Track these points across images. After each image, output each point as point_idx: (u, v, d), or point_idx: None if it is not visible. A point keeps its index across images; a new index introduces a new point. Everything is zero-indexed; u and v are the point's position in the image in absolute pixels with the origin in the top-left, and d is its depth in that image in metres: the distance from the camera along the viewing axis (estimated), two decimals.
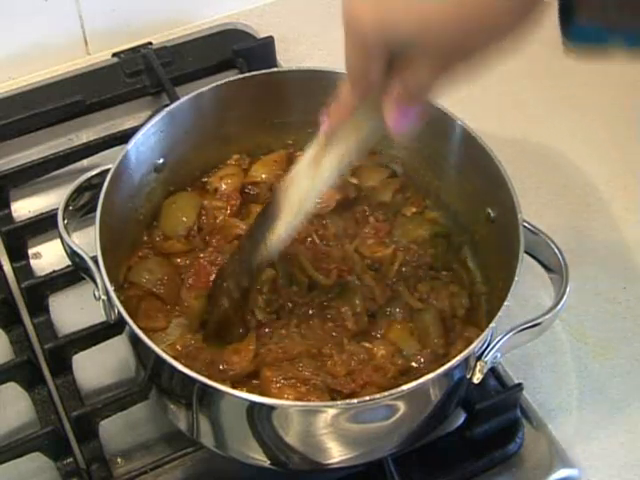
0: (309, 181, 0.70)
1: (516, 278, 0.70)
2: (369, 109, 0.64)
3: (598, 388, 0.85)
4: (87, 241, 0.74)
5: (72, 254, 0.74)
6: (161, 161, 0.84)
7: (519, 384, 0.80)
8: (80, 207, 0.78)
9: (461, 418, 0.79)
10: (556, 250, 0.75)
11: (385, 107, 0.62)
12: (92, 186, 0.78)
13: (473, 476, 0.77)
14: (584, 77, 1.10)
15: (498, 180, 0.77)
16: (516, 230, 0.73)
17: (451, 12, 0.55)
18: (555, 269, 0.75)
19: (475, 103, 1.05)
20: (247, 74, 0.88)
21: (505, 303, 0.68)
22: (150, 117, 0.84)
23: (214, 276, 0.80)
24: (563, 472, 0.78)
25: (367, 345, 0.76)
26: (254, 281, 0.77)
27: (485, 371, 0.70)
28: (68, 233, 0.75)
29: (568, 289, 0.72)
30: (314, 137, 0.70)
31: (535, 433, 0.80)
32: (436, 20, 0.56)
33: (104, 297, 0.70)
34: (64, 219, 0.76)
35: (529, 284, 0.88)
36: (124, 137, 0.94)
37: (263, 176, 0.89)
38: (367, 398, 0.64)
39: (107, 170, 0.77)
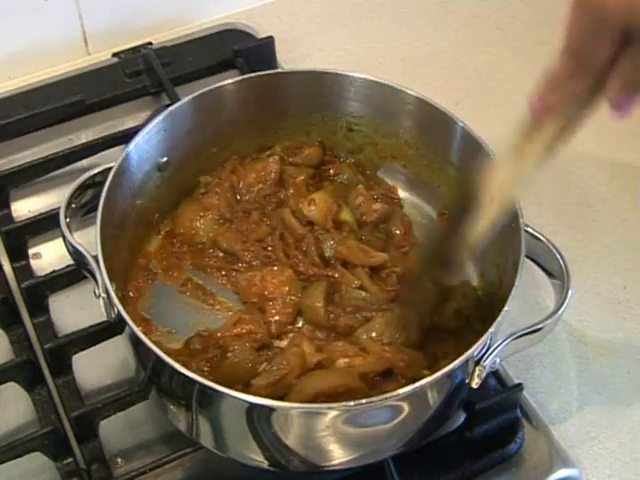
0: (514, 170, 0.67)
1: (517, 283, 0.70)
2: (587, 88, 0.61)
3: (598, 388, 0.85)
4: (88, 240, 0.74)
5: (73, 252, 0.74)
6: (164, 160, 0.85)
7: (519, 384, 0.80)
8: (82, 205, 0.78)
9: (461, 418, 0.79)
10: (558, 255, 0.75)
11: (610, 90, 0.59)
12: (95, 184, 0.78)
13: (473, 476, 0.77)
14: None
15: None
16: (518, 235, 0.73)
17: None
18: (556, 274, 0.75)
19: (476, 104, 1.05)
20: (249, 75, 0.88)
21: (505, 308, 0.68)
22: (151, 116, 0.84)
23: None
24: (563, 472, 0.78)
25: None
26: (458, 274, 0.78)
27: (483, 376, 0.70)
28: (70, 231, 0.75)
29: (569, 294, 0.72)
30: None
31: (535, 433, 0.80)
32: None
33: (104, 295, 0.70)
34: (66, 217, 0.76)
35: (531, 286, 0.88)
36: (124, 137, 0.94)
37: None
38: (364, 401, 0.64)
39: (109, 168, 0.77)
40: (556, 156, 0.66)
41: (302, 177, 0.89)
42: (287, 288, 0.81)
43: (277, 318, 0.80)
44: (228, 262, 0.85)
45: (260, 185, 0.88)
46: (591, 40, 0.57)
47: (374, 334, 0.77)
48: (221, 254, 0.86)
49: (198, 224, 0.86)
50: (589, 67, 0.59)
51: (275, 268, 0.82)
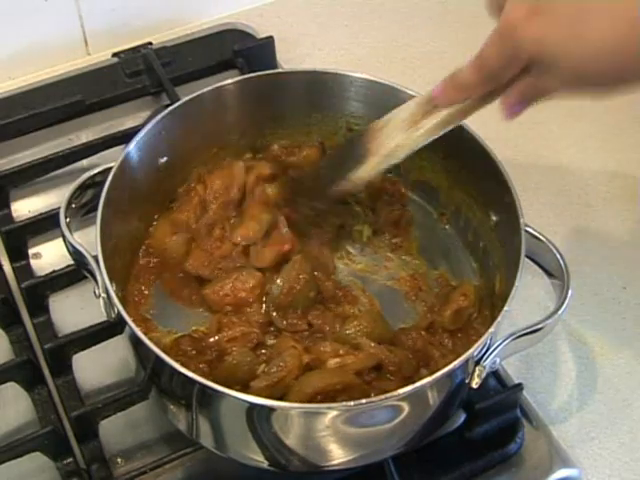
0: (404, 134, 0.76)
1: (517, 283, 0.70)
2: (484, 95, 0.70)
3: (598, 388, 0.85)
4: (88, 240, 0.74)
5: (73, 252, 0.75)
6: (164, 160, 0.85)
7: (519, 384, 0.80)
8: (82, 205, 0.78)
9: (461, 418, 0.79)
10: (558, 255, 0.74)
11: (506, 95, 0.68)
12: (95, 184, 0.78)
13: (473, 476, 0.77)
14: None
15: (501, 184, 0.77)
16: (518, 235, 0.73)
17: (618, 45, 0.59)
18: (556, 274, 0.75)
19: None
20: (249, 75, 0.88)
21: (505, 308, 0.68)
22: (151, 116, 0.84)
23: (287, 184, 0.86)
24: (563, 472, 0.78)
25: None
26: (327, 205, 0.85)
27: (483, 376, 0.70)
28: (70, 231, 0.75)
29: (569, 294, 0.72)
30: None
31: (535, 433, 0.80)
32: (600, 51, 0.60)
33: (104, 295, 0.70)
34: (66, 217, 0.76)
35: (531, 286, 0.88)
36: (124, 137, 0.94)
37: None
38: (364, 401, 0.64)
39: (109, 168, 0.77)
40: (442, 133, 0.75)
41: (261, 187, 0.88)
42: (259, 291, 0.80)
43: (258, 319, 0.79)
44: (196, 288, 0.83)
45: (225, 193, 0.87)
46: (501, 64, 0.65)
47: (359, 329, 0.77)
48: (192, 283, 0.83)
49: (168, 241, 0.85)
50: (492, 82, 0.67)
51: (243, 274, 0.81)
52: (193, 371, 0.65)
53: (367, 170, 0.79)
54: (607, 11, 0.59)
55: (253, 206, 0.86)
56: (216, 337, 0.76)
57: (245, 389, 0.71)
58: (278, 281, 0.79)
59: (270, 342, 0.78)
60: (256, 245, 0.83)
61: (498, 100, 0.70)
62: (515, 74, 0.66)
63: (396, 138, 0.77)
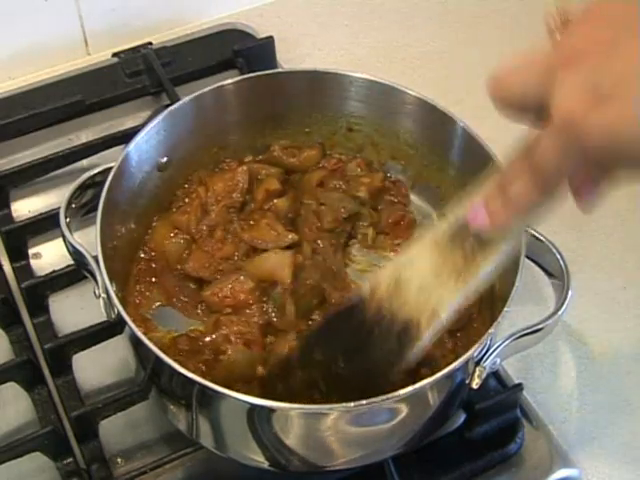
0: (452, 289, 0.61)
1: (517, 283, 0.69)
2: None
3: (598, 388, 0.85)
4: (88, 240, 0.74)
5: (73, 252, 0.75)
6: (164, 160, 0.85)
7: (519, 384, 0.80)
8: (82, 205, 0.78)
9: (461, 418, 0.79)
10: (558, 255, 0.75)
11: (576, 190, 0.57)
12: (95, 184, 0.78)
13: (473, 476, 0.77)
14: None
15: None
16: (518, 235, 0.73)
17: None
18: (556, 274, 0.75)
19: (476, 104, 1.05)
20: (249, 75, 0.88)
21: (505, 309, 0.68)
22: (151, 116, 0.84)
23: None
24: (563, 472, 0.78)
25: None
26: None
27: (484, 377, 0.70)
28: (70, 231, 0.75)
29: (569, 294, 0.72)
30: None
31: (535, 433, 0.80)
32: None
33: (104, 295, 0.70)
34: (66, 217, 0.76)
35: (531, 286, 0.88)
36: (124, 137, 0.94)
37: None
38: (364, 402, 0.63)
39: (109, 168, 0.77)
40: (502, 261, 0.61)
41: (270, 187, 0.88)
42: (258, 292, 0.80)
43: (258, 320, 0.79)
44: (195, 291, 0.82)
45: (228, 197, 0.87)
46: (564, 165, 0.54)
47: None
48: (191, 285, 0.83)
49: (167, 242, 0.85)
50: (553, 189, 0.56)
51: (242, 277, 0.80)
52: (192, 371, 0.65)
53: (428, 337, 0.64)
54: None
55: (264, 215, 0.86)
56: (213, 336, 0.76)
57: (246, 387, 0.71)
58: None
59: (269, 340, 0.78)
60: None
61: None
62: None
63: (444, 295, 0.62)
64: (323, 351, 0.69)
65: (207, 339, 0.76)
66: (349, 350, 0.67)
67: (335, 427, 0.66)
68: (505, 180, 0.56)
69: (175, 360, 0.65)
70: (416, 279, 0.63)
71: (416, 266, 0.63)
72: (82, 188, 0.78)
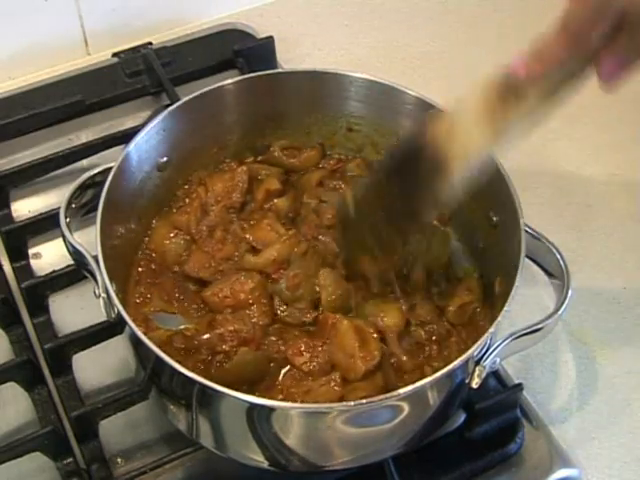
0: (481, 136, 0.65)
1: (517, 283, 0.69)
2: (577, 63, 0.61)
3: (598, 388, 0.85)
4: (88, 240, 0.74)
5: (73, 252, 0.75)
6: (164, 160, 0.85)
7: (519, 384, 0.80)
8: (82, 205, 0.78)
9: (461, 418, 0.79)
10: (558, 255, 0.75)
11: (603, 65, 0.60)
12: (95, 184, 0.78)
13: (473, 476, 0.77)
14: None
15: (501, 184, 0.77)
16: (518, 235, 0.73)
17: None
18: (556, 274, 0.75)
19: None
20: (249, 75, 0.88)
21: (505, 308, 0.68)
22: (151, 116, 0.84)
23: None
24: (563, 472, 0.78)
25: None
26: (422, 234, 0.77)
27: (483, 376, 0.70)
28: (70, 231, 0.75)
29: (569, 294, 0.72)
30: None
31: (535, 433, 0.80)
32: None
33: (104, 295, 0.70)
34: (66, 217, 0.76)
35: (531, 286, 0.88)
36: (124, 137, 0.94)
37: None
38: (364, 401, 0.64)
39: (109, 168, 0.77)
40: (528, 133, 0.65)
41: (270, 187, 0.88)
42: (258, 293, 0.79)
43: (257, 321, 0.78)
44: (195, 291, 0.82)
45: (227, 197, 0.87)
46: (590, 23, 0.57)
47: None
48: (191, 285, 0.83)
49: (167, 243, 0.84)
50: (583, 46, 0.59)
51: (242, 277, 0.80)
52: (191, 371, 0.65)
53: (458, 177, 0.67)
54: None
55: (265, 215, 0.86)
56: (207, 335, 0.76)
57: (251, 389, 0.71)
58: (288, 272, 0.79)
59: (271, 339, 0.78)
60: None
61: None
62: (607, 33, 0.58)
63: (479, 136, 0.65)
64: (388, 181, 0.73)
65: (202, 337, 0.76)
66: (405, 180, 0.71)
67: (335, 426, 0.66)
68: (543, 38, 0.60)
69: (175, 360, 0.65)
70: (463, 124, 0.67)
71: (466, 112, 0.66)
72: (82, 188, 0.78)
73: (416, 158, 0.69)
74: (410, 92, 0.84)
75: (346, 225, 0.79)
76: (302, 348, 0.76)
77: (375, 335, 0.76)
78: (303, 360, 0.75)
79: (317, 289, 0.79)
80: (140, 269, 0.83)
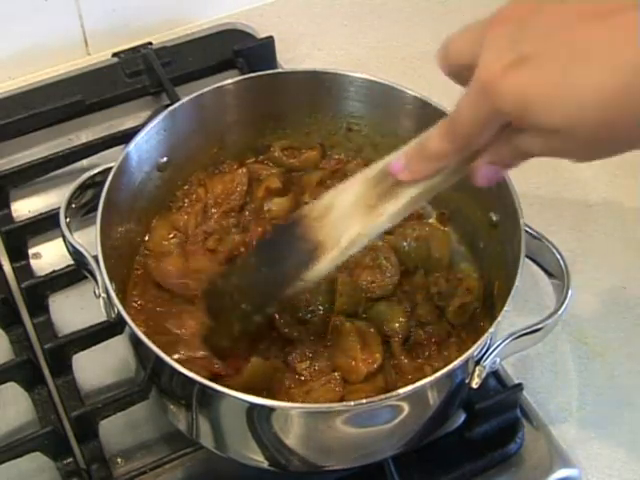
0: (362, 221, 0.65)
1: (517, 283, 0.69)
2: (458, 164, 0.61)
3: (598, 388, 0.85)
4: (88, 240, 0.74)
5: (73, 252, 0.75)
6: (164, 160, 0.85)
7: (519, 384, 0.80)
8: (82, 205, 0.78)
9: (461, 418, 0.79)
10: (558, 255, 0.74)
11: (480, 163, 0.60)
12: (95, 184, 0.78)
13: (473, 476, 0.77)
14: None
15: (501, 184, 0.76)
16: (518, 235, 0.73)
17: (617, 94, 0.50)
18: (556, 274, 0.75)
19: None
20: (249, 75, 0.88)
21: (505, 308, 0.68)
22: (151, 116, 0.84)
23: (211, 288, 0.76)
24: (563, 472, 0.78)
25: None
26: (277, 308, 0.75)
27: (483, 376, 0.70)
28: (70, 231, 0.75)
29: (569, 294, 0.72)
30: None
31: (535, 433, 0.80)
32: (594, 102, 0.50)
33: (104, 295, 0.71)
34: (66, 217, 0.76)
35: (531, 286, 0.88)
36: (124, 137, 0.94)
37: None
38: (364, 401, 0.64)
39: (109, 168, 0.77)
40: (408, 214, 0.66)
41: (271, 184, 0.87)
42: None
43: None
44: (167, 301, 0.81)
45: (227, 200, 0.86)
46: (478, 127, 0.56)
47: None
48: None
49: (167, 244, 0.84)
50: (466, 149, 0.59)
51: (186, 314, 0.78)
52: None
53: (324, 266, 0.68)
54: (607, 56, 0.50)
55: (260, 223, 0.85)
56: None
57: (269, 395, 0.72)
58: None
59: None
60: None
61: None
62: (491, 137, 0.57)
63: (353, 226, 0.66)
64: (259, 261, 0.73)
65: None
66: (274, 259, 0.71)
67: (335, 426, 0.66)
68: (427, 136, 0.60)
69: (175, 360, 0.65)
70: (340, 207, 0.67)
71: (344, 196, 0.67)
72: (82, 188, 0.78)
73: (287, 237, 0.69)
74: (410, 92, 0.84)
75: (210, 300, 0.76)
76: (303, 354, 0.76)
77: (378, 337, 0.76)
78: (305, 366, 0.75)
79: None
80: (140, 266, 0.83)
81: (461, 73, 0.59)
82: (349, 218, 0.66)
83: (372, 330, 0.76)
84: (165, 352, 0.65)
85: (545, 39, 0.52)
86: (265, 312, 0.72)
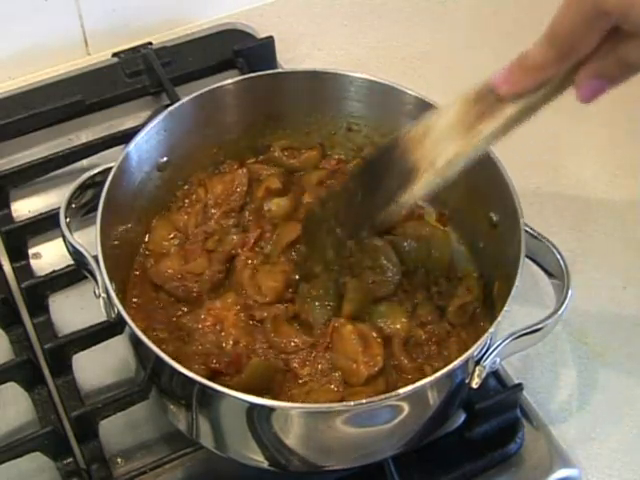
0: (460, 142, 0.63)
1: (517, 283, 0.69)
2: (561, 77, 0.59)
3: (598, 388, 0.85)
4: (88, 240, 0.74)
5: (73, 252, 0.75)
6: (164, 160, 0.85)
7: (519, 384, 0.80)
8: (82, 205, 0.78)
9: (461, 418, 0.79)
10: (558, 255, 0.74)
11: (583, 75, 0.57)
12: (95, 184, 0.78)
13: (473, 476, 0.77)
14: None
15: (501, 184, 0.77)
16: (518, 235, 0.73)
17: None
18: (556, 274, 0.75)
19: None
20: (249, 75, 0.88)
21: (505, 308, 0.68)
22: (151, 116, 0.84)
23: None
24: (563, 472, 0.78)
25: None
26: (372, 233, 0.76)
27: (483, 376, 0.70)
28: (70, 231, 0.75)
29: (569, 294, 0.72)
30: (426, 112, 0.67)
31: (535, 433, 0.80)
32: None
33: (104, 295, 0.71)
34: (66, 217, 0.76)
35: (531, 286, 0.88)
36: (124, 137, 0.94)
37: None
38: (364, 401, 0.64)
39: (110, 168, 0.77)
40: (507, 136, 0.63)
41: (270, 185, 0.87)
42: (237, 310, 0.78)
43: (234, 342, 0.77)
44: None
45: (227, 200, 0.86)
46: (580, 30, 0.55)
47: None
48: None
49: (167, 244, 0.84)
50: (570, 57, 0.57)
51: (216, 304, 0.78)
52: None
53: (421, 188, 0.66)
54: None
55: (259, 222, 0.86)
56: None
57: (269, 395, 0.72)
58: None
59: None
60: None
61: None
62: (596, 45, 0.55)
63: (449, 147, 0.64)
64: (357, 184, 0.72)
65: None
66: (372, 181, 0.70)
67: (335, 426, 0.66)
68: (528, 51, 0.58)
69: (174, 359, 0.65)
70: (439, 127, 0.65)
71: (444, 116, 0.65)
72: (82, 188, 0.78)
73: (386, 159, 0.69)
74: (410, 92, 0.84)
75: (308, 225, 0.79)
76: (304, 357, 0.76)
77: (379, 340, 0.75)
78: (307, 372, 0.75)
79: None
80: (140, 266, 0.83)
81: None
82: (447, 139, 0.64)
83: (374, 334, 0.75)
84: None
85: None
86: (359, 236, 0.73)
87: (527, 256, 0.73)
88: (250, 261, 0.82)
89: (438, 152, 0.65)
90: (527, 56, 0.58)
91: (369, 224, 0.72)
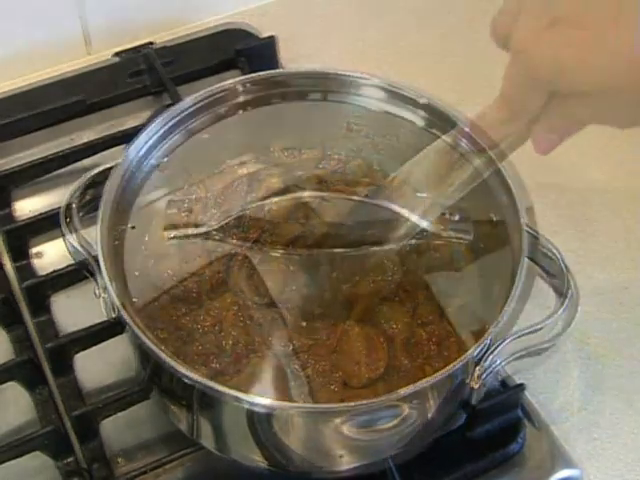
0: (433, 192, 0.68)
1: (517, 283, 0.69)
2: (517, 131, 0.64)
3: (600, 388, 0.85)
4: (88, 240, 0.74)
5: (74, 251, 0.75)
6: (165, 160, 0.85)
7: (521, 384, 0.80)
8: (83, 205, 0.78)
9: (462, 418, 0.79)
10: (558, 255, 0.74)
11: (538, 131, 0.62)
12: (95, 184, 0.78)
13: (474, 476, 0.77)
14: None
15: (501, 184, 0.76)
16: (518, 235, 0.73)
17: None
18: (556, 274, 0.75)
19: (477, 105, 1.05)
20: (251, 75, 0.88)
21: (505, 308, 0.68)
22: (152, 116, 0.84)
23: None
24: (565, 472, 0.78)
25: None
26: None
27: (484, 377, 0.70)
28: (70, 231, 0.75)
29: (570, 294, 0.72)
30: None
31: (537, 433, 0.80)
32: (621, 76, 0.51)
33: (104, 295, 0.71)
34: (66, 217, 0.76)
35: (533, 287, 0.88)
36: (125, 137, 0.94)
37: None
38: (364, 402, 0.64)
39: (110, 168, 0.77)
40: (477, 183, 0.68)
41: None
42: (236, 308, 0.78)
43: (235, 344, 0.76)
44: None
45: (227, 200, 0.86)
46: (527, 93, 0.58)
47: None
48: None
49: (167, 245, 0.83)
50: (522, 116, 0.60)
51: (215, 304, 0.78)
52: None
53: (402, 235, 0.73)
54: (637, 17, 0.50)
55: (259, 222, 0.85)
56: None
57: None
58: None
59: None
60: None
61: None
62: (543, 104, 0.58)
63: (426, 197, 0.69)
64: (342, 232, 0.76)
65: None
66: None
67: (335, 427, 0.66)
68: (484, 109, 0.63)
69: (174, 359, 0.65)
70: (415, 177, 0.70)
71: (419, 166, 0.70)
72: (83, 188, 0.78)
73: (369, 207, 0.73)
74: (411, 92, 0.84)
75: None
76: (305, 358, 0.76)
77: (384, 345, 0.75)
78: (307, 372, 0.75)
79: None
80: (137, 272, 0.83)
81: (509, 43, 0.59)
82: (424, 188, 0.69)
83: (381, 339, 0.75)
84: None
85: (577, 1, 0.52)
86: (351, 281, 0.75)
87: (527, 256, 0.73)
88: (249, 261, 0.82)
89: (417, 201, 0.70)
90: (484, 116, 0.63)
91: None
